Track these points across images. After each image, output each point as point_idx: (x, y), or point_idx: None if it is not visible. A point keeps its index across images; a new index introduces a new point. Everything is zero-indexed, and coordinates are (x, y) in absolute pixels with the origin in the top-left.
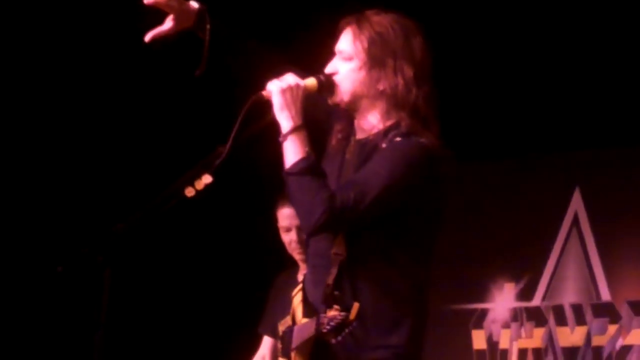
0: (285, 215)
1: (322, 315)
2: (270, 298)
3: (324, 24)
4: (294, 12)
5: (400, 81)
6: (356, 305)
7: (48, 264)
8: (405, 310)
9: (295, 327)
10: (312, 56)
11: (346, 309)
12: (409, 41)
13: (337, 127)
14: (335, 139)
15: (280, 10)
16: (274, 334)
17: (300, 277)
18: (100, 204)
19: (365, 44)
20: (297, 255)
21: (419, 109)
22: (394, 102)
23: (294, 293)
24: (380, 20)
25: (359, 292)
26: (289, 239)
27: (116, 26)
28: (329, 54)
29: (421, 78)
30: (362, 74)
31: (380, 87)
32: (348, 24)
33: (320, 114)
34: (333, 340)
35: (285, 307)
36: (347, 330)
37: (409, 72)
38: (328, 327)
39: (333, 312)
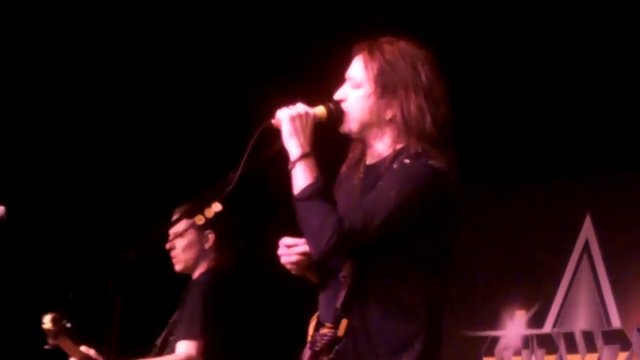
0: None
1: (317, 333)
2: None
3: (337, 49)
4: (306, 37)
5: (408, 109)
6: (344, 322)
7: (59, 290)
8: (417, 330)
9: (305, 351)
10: (325, 82)
11: (337, 325)
12: (419, 69)
13: (350, 154)
14: (346, 166)
15: (293, 36)
16: None
17: None
18: (110, 231)
19: (375, 72)
20: (175, 266)
21: (428, 135)
22: (403, 130)
23: (312, 318)
24: (392, 48)
25: (368, 314)
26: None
27: (133, 53)
28: (341, 79)
29: (431, 105)
30: (371, 101)
31: (388, 115)
32: (360, 51)
33: None
34: (325, 358)
35: None
36: (336, 348)
37: (417, 100)
38: (320, 345)
39: (325, 330)
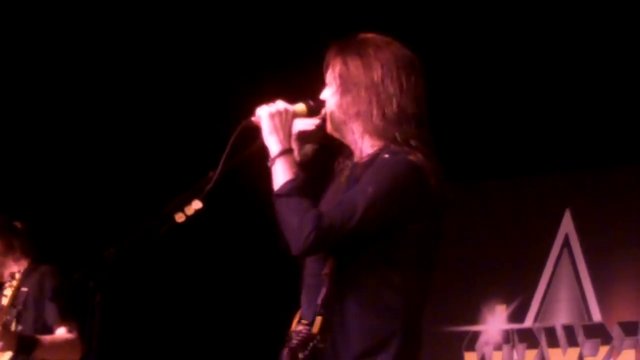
0: None
1: (293, 330)
2: None
3: (319, 46)
4: (288, 35)
5: (378, 103)
6: (318, 319)
7: None
8: (395, 328)
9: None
10: (306, 79)
11: (312, 322)
12: (389, 62)
13: (341, 155)
14: (337, 166)
15: (275, 33)
16: None
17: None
18: (91, 229)
19: (337, 69)
20: None
21: (406, 128)
22: (375, 125)
23: (295, 315)
24: (358, 44)
25: (347, 311)
26: None
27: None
28: (314, 79)
29: (405, 98)
30: (336, 98)
31: (353, 110)
32: (329, 49)
33: None
34: (301, 355)
35: None
36: (311, 345)
37: (388, 93)
38: (295, 341)
39: (300, 327)
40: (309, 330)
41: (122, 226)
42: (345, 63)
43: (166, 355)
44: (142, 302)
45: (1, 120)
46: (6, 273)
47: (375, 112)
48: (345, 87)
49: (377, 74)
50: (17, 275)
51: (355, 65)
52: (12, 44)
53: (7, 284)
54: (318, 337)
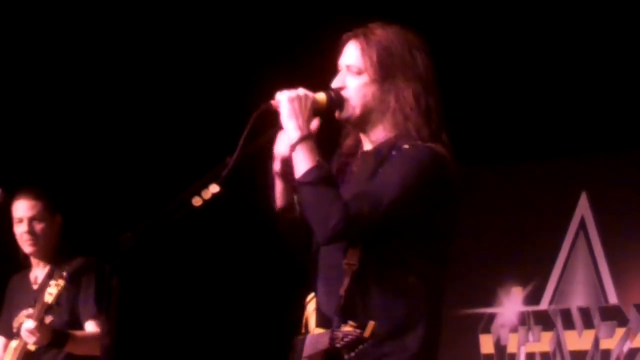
0: (19, 207)
1: (337, 329)
2: (6, 299)
3: (326, 39)
4: (298, 28)
5: (408, 94)
6: (371, 324)
7: None
8: (419, 314)
9: (308, 336)
10: (316, 71)
11: (362, 326)
12: (414, 54)
13: (343, 145)
14: (340, 156)
15: (285, 26)
16: (8, 333)
17: (32, 275)
18: (108, 213)
19: (375, 59)
20: (28, 248)
21: (426, 120)
22: (403, 114)
23: (307, 300)
24: (386, 34)
25: (371, 301)
26: (20, 230)
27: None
28: (333, 68)
29: (427, 89)
30: (373, 88)
31: (390, 100)
32: (354, 38)
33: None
34: (346, 356)
35: (20, 305)
36: (360, 347)
37: (415, 84)
38: (342, 342)
39: (348, 328)
40: (360, 334)
41: (140, 210)
42: (385, 51)
43: (183, 336)
44: (159, 286)
45: (17, 103)
46: (51, 257)
47: (419, 103)
48: (384, 76)
49: (420, 64)
50: (65, 274)
51: (396, 54)
52: (35, 30)
53: (53, 282)
54: (369, 342)
